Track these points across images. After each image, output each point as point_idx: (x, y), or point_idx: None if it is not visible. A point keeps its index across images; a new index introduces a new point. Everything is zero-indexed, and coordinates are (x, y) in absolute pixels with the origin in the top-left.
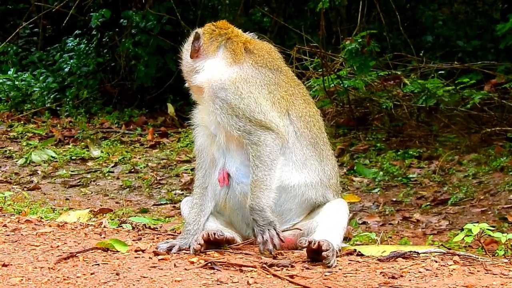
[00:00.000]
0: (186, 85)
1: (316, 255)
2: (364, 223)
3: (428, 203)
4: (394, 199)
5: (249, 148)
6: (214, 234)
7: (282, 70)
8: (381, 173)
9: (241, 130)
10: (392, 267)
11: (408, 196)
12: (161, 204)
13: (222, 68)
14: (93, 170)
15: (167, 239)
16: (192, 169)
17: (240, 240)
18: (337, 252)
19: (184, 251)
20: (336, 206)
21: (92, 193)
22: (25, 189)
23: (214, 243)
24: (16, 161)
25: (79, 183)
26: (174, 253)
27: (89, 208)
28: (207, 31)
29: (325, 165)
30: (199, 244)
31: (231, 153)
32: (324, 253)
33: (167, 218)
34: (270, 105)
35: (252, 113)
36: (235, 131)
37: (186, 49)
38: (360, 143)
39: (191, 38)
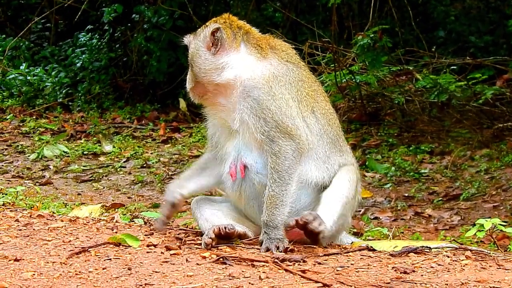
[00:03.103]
0: (189, 86)
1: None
2: (376, 218)
3: (440, 199)
4: (406, 194)
5: (268, 157)
6: (225, 228)
7: (302, 66)
8: (393, 168)
9: (265, 135)
10: (404, 262)
11: (420, 192)
12: None
13: (252, 64)
14: (105, 165)
15: (178, 234)
16: None
17: (251, 235)
18: (335, 228)
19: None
20: (339, 180)
21: (104, 188)
22: (37, 184)
23: (225, 237)
24: (28, 156)
25: (91, 178)
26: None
27: (101, 203)
28: (226, 25)
29: (346, 160)
30: (210, 238)
31: (249, 147)
32: (309, 226)
33: (178, 213)
34: (297, 105)
35: (281, 116)
36: (259, 134)
37: (202, 45)
38: (372, 138)
39: (205, 33)
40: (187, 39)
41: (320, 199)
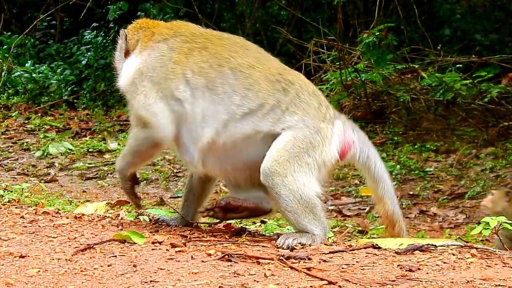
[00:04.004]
0: None
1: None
2: (380, 216)
3: (445, 197)
4: (411, 193)
5: None
6: (231, 201)
7: (184, 33)
8: (398, 166)
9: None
10: (410, 260)
11: (425, 190)
12: (178, 197)
13: (129, 65)
14: (110, 162)
15: (183, 231)
16: None
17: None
18: None
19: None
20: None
21: (109, 185)
22: (42, 181)
23: (231, 210)
24: (34, 153)
25: (96, 176)
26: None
27: (106, 200)
28: (130, 28)
29: (258, 92)
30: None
31: None
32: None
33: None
34: (158, 90)
35: (139, 109)
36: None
37: (118, 50)
38: (377, 137)
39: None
40: None
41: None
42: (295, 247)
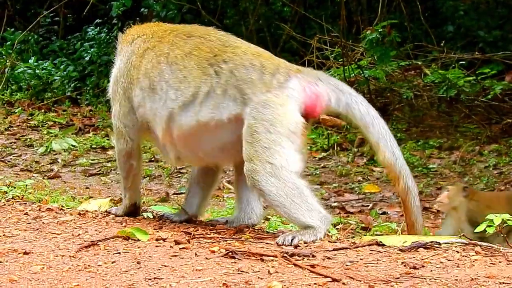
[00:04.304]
0: None
1: None
2: (384, 213)
3: None
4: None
5: None
6: None
7: (146, 33)
8: None
9: None
10: (414, 257)
11: (428, 187)
12: (182, 193)
13: (112, 70)
14: (113, 159)
15: (187, 228)
16: None
17: None
18: None
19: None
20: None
21: (112, 182)
22: (45, 177)
23: None
24: (37, 149)
25: (99, 172)
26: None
27: (109, 196)
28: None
29: (190, 82)
30: None
31: None
32: None
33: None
34: (123, 97)
35: (115, 120)
36: None
37: None
38: None
39: None
40: None
41: None
42: (298, 244)
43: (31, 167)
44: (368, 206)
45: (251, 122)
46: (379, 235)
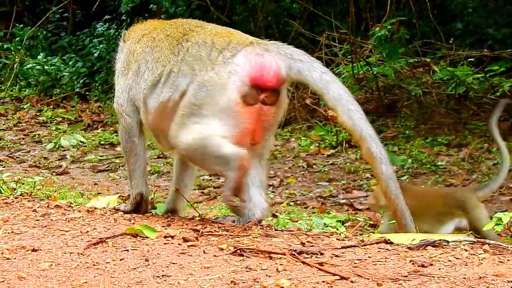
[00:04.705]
0: None
1: None
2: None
3: None
4: (423, 187)
5: None
6: None
7: (145, 34)
8: (409, 160)
9: None
10: (422, 255)
11: (436, 184)
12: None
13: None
14: (122, 155)
15: (196, 225)
16: None
17: None
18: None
19: None
20: None
21: (120, 178)
22: (53, 173)
23: None
24: (45, 145)
25: (107, 168)
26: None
27: (117, 193)
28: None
29: (161, 61)
30: None
31: None
32: None
33: (195, 204)
34: (122, 82)
35: (115, 103)
36: None
37: None
38: (388, 130)
39: None
40: None
41: None
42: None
43: (39, 163)
44: None
45: (185, 101)
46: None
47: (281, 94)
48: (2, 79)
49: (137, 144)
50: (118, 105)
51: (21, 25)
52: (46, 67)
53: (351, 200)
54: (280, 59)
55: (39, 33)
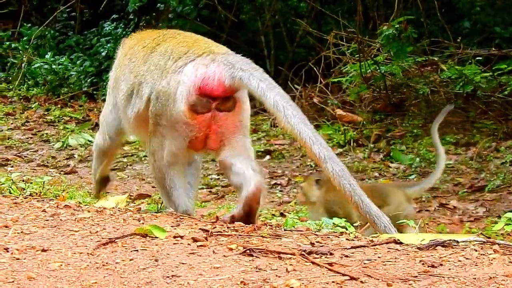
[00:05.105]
0: None
1: None
2: None
3: (465, 190)
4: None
5: None
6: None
7: (129, 44)
8: (417, 159)
9: None
10: (432, 255)
11: (445, 183)
12: (201, 188)
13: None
14: (130, 154)
15: (205, 225)
16: None
17: None
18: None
19: None
20: None
21: (128, 177)
22: (61, 172)
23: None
24: (53, 144)
25: (115, 167)
26: None
27: (126, 192)
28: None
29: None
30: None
31: None
32: None
33: (203, 203)
34: (111, 95)
35: (101, 116)
36: None
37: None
38: (396, 129)
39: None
40: None
41: None
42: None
43: (47, 162)
44: None
45: (150, 111)
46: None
47: (238, 100)
48: (10, 78)
49: (106, 164)
50: (105, 122)
51: (29, 25)
52: (53, 66)
53: None
54: (223, 69)
55: (46, 33)
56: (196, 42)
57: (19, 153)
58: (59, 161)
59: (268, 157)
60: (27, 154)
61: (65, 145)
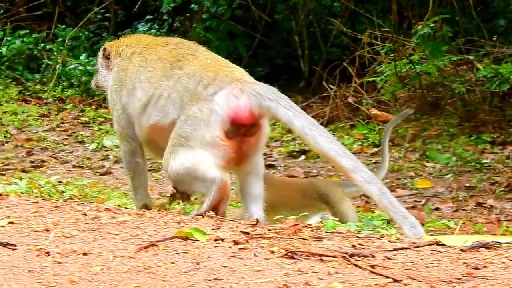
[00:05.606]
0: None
1: None
2: (436, 209)
3: (502, 189)
4: (467, 185)
5: None
6: None
7: (136, 52)
8: (454, 158)
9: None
10: (475, 257)
11: (481, 182)
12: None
13: (107, 78)
14: None
15: (245, 228)
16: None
17: None
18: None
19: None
20: None
21: (163, 178)
22: (97, 174)
23: None
24: (88, 146)
25: (150, 168)
26: None
27: (161, 193)
28: (112, 44)
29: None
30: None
31: None
32: None
33: (238, 203)
34: (118, 101)
35: (115, 124)
36: None
37: (100, 61)
38: (432, 128)
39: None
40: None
41: None
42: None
43: (82, 163)
44: (420, 201)
45: (175, 132)
46: (432, 230)
47: (261, 125)
48: (45, 80)
49: (141, 164)
50: (120, 127)
51: (63, 26)
52: (88, 68)
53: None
54: (252, 99)
55: (81, 34)
56: (220, 65)
57: (54, 154)
58: (94, 162)
59: (303, 157)
60: (62, 155)
61: (100, 146)
